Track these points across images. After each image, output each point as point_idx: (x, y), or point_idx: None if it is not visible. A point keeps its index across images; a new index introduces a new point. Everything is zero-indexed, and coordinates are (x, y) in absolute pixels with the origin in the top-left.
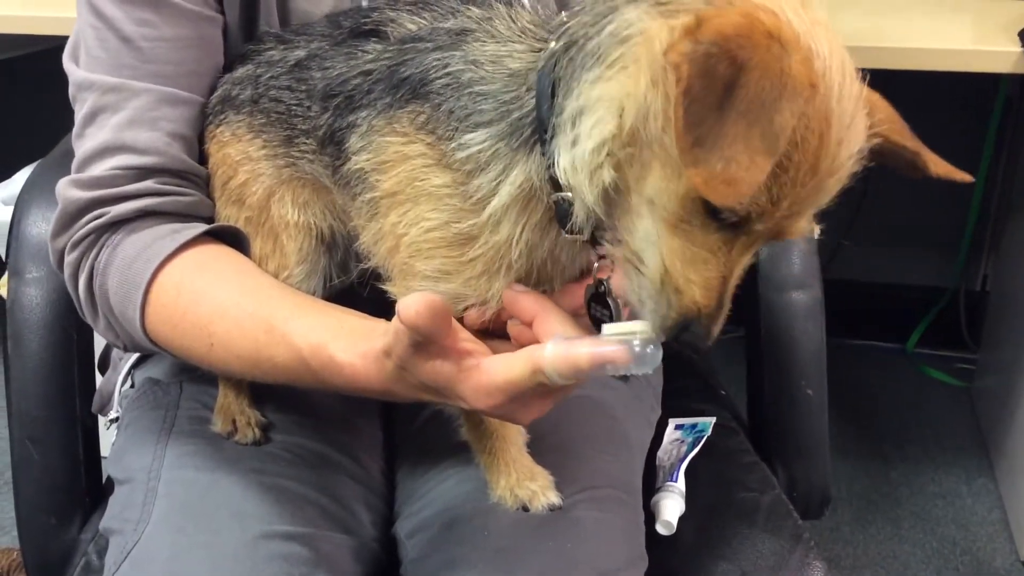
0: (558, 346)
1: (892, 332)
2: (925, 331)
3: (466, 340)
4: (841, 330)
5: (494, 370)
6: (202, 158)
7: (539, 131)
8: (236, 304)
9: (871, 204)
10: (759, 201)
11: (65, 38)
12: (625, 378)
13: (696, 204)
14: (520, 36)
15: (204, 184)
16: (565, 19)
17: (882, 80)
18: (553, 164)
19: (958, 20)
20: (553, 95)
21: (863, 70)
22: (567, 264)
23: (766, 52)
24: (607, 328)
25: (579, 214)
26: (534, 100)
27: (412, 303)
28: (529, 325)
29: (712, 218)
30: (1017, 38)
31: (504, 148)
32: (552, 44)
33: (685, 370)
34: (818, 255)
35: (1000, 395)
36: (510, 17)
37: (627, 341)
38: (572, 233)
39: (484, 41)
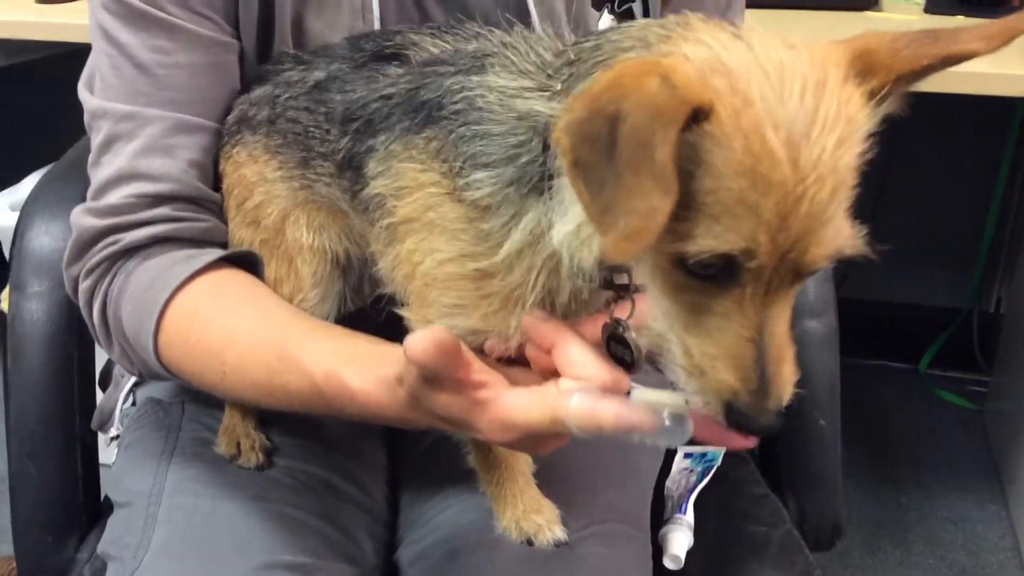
0: (584, 401)
1: (904, 352)
2: (938, 352)
3: (479, 371)
4: (853, 350)
5: (513, 408)
6: (217, 180)
7: (547, 178)
8: (249, 330)
9: (884, 223)
10: (728, 243)
11: (79, 44)
12: None
13: (675, 271)
14: (531, 71)
15: (219, 210)
16: (571, 56)
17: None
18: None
19: None
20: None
21: None
22: (588, 302)
23: (638, 92)
24: (637, 393)
25: (570, 271)
26: (541, 146)
27: (420, 340)
28: (548, 352)
29: (702, 279)
30: None
31: (513, 193)
32: (558, 85)
33: None
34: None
35: (1013, 418)
36: (528, 44)
37: (657, 412)
38: (583, 281)
39: (498, 72)
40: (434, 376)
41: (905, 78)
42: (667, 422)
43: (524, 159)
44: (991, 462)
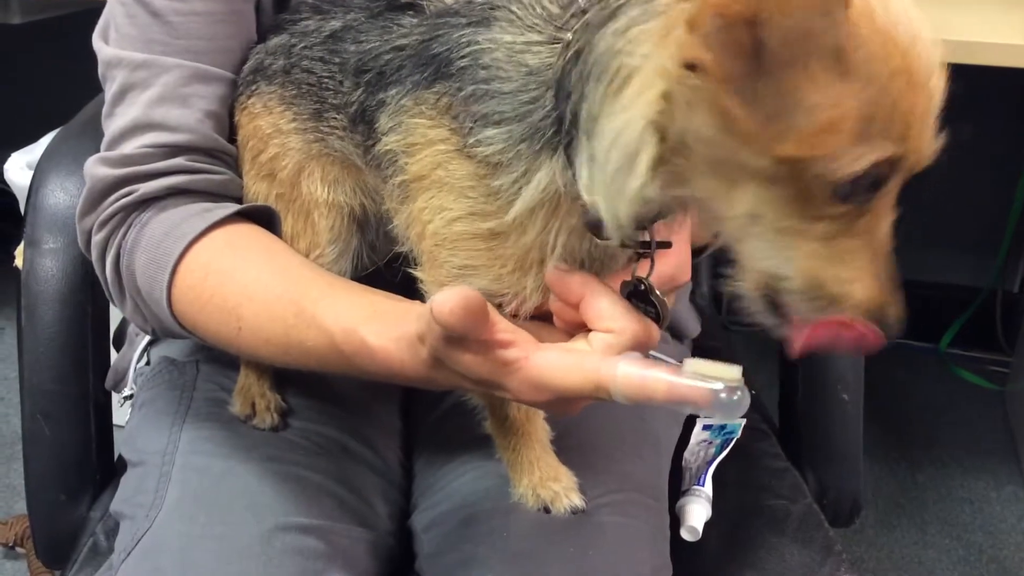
0: (631, 368)
1: (925, 331)
2: (959, 332)
3: (504, 330)
4: None
5: (547, 370)
6: (232, 131)
7: (564, 132)
8: (265, 286)
9: (909, 202)
10: (885, 150)
11: (98, 2)
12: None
13: (813, 193)
14: (538, 24)
15: (234, 163)
16: (582, 4)
17: None
18: (574, 173)
19: (1010, 14)
20: (569, 96)
21: None
22: (606, 262)
23: None
24: (690, 364)
25: (609, 224)
26: (554, 100)
27: (447, 300)
28: (574, 306)
29: (837, 197)
30: None
31: (525, 149)
32: (568, 36)
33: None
34: None
35: None
36: None
37: (712, 386)
38: (602, 239)
39: (504, 27)
40: (459, 337)
41: None
42: (722, 395)
43: (537, 115)
44: (1010, 443)
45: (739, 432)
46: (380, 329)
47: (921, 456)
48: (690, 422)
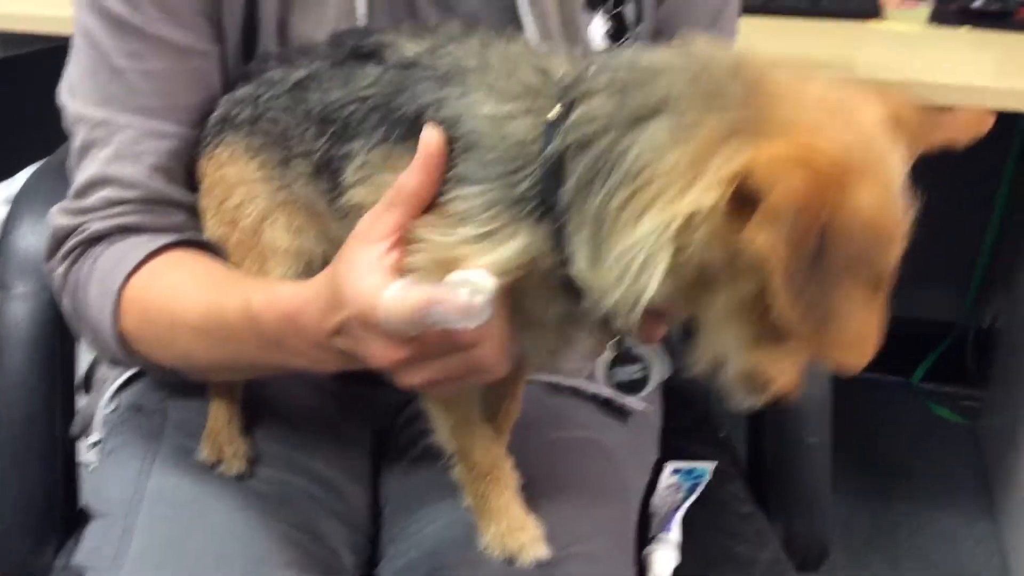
0: (398, 288)
1: (899, 366)
2: (932, 366)
3: None
4: None
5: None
6: (195, 180)
7: (545, 207)
8: (197, 284)
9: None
10: None
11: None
12: (623, 416)
13: (762, 309)
14: (517, 94)
15: (192, 210)
16: (566, 80)
17: None
18: (564, 252)
19: (981, 57)
20: (558, 173)
21: None
22: (569, 327)
23: (842, 206)
24: (452, 274)
25: (611, 314)
26: (542, 176)
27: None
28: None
29: None
30: None
31: (502, 213)
32: (558, 109)
33: (684, 406)
34: None
35: (1006, 435)
36: (506, 59)
37: (458, 290)
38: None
39: (483, 95)
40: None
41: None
42: (463, 298)
43: (521, 187)
44: (983, 478)
45: (707, 476)
46: (295, 287)
47: (895, 491)
48: (659, 468)
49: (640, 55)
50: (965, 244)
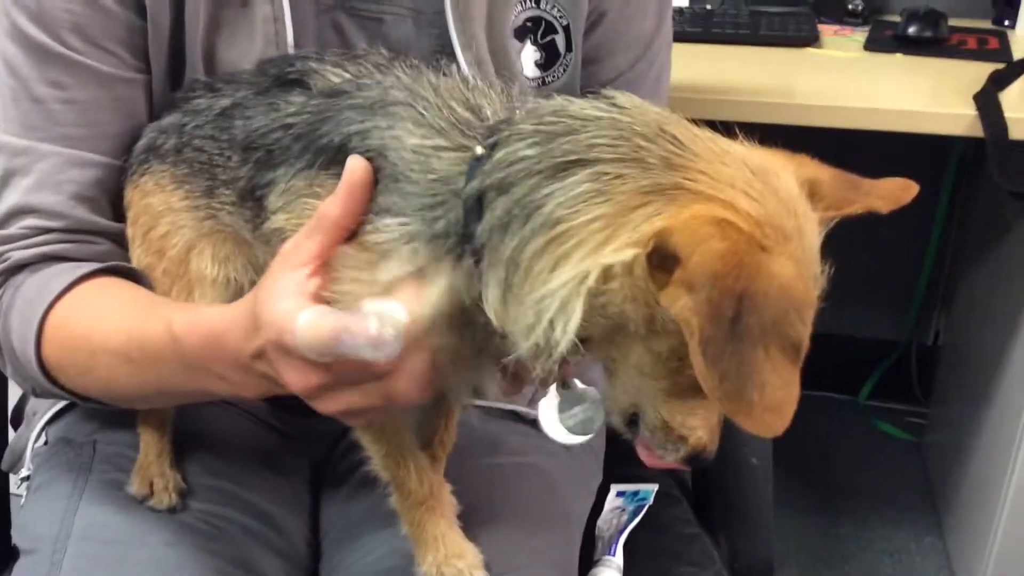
0: (311, 314)
1: (845, 384)
2: (877, 384)
3: None
4: None
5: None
6: (121, 209)
7: (464, 244)
8: (120, 309)
9: (825, 257)
10: None
11: None
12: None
13: (674, 362)
14: (445, 129)
15: (116, 239)
16: (494, 120)
17: (839, 139)
18: (481, 289)
19: (914, 82)
20: (478, 212)
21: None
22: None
23: (757, 273)
24: (367, 303)
25: (528, 358)
26: (463, 213)
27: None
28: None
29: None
30: (971, 101)
31: (422, 249)
32: (479, 150)
33: None
34: None
35: (950, 451)
36: (438, 95)
37: (368, 320)
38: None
39: (411, 127)
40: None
41: (832, 216)
42: (374, 331)
43: (440, 224)
44: (928, 494)
45: (651, 499)
46: (219, 309)
47: (842, 508)
48: (604, 490)
49: (569, 104)
50: (907, 265)
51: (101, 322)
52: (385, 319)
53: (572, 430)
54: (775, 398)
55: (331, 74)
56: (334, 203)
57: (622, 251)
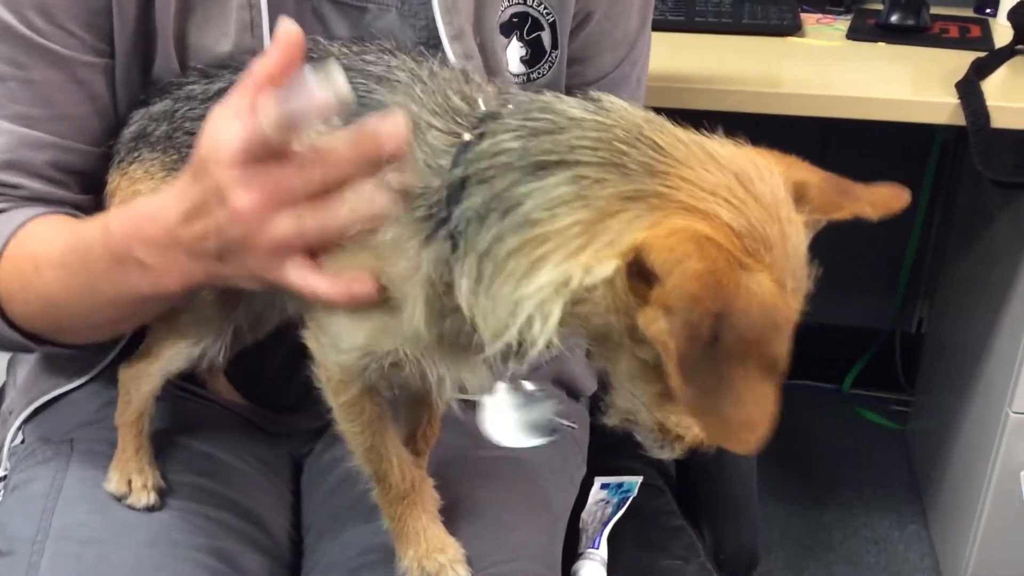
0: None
1: (829, 373)
2: (861, 372)
3: None
4: None
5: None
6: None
7: (448, 232)
8: (67, 227)
9: (808, 247)
10: None
11: None
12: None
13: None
14: (438, 112)
15: (77, 208)
16: (483, 108)
17: (823, 127)
18: (452, 275)
19: (897, 71)
20: (458, 197)
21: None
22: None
23: (736, 293)
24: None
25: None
26: (445, 194)
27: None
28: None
29: None
30: (954, 90)
31: (405, 231)
32: (467, 136)
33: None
34: None
35: (934, 439)
36: (438, 80)
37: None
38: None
39: (407, 97)
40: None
41: (820, 219)
42: (307, 75)
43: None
44: (912, 482)
45: (635, 491)
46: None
47: (827, 496)
48: (588, 483)
49: (557, 102)
50: (890, 253)
51: (49, 240)
52: (325, 77)
53: (526, 432)
54: (751, 415)
55: (332, 51)
56: (265, 56)
57: (600, 262)
